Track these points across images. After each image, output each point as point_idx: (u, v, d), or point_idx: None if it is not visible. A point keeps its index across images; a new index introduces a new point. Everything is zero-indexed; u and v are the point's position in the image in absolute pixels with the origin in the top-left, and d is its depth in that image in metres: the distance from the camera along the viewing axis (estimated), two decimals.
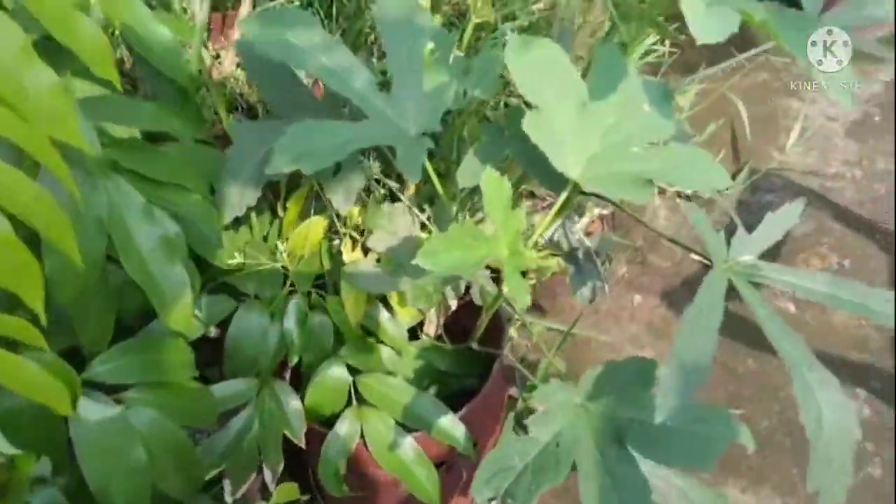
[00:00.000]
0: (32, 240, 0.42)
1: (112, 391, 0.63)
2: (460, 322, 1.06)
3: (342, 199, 0.77)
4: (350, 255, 0.84)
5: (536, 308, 1.44)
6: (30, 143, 0.38)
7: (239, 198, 0.74)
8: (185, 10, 1.21)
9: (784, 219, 0.69)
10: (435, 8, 1.16)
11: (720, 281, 0.66)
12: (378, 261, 0.85)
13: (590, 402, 0.66)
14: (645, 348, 1.38)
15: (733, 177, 1.63)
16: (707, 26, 0.57)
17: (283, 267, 0.84)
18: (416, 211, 1.04)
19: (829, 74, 0.57)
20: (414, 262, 0.63)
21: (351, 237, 0.86)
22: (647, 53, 1.46)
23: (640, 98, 0.73)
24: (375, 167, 1.17)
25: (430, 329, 1.04)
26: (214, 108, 1.01)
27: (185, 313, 0.58)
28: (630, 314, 1.43)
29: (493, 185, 0.68)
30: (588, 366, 1.37)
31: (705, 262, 1.58)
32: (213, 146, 0.84)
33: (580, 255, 0.95)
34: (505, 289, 0.87)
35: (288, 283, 0.86)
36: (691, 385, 0.57)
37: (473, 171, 0.81)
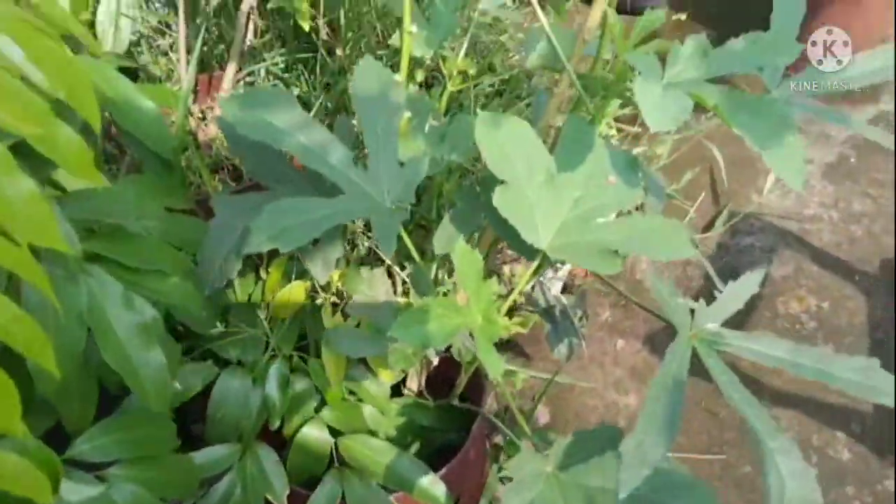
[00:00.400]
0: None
1: (94, 467, 0.65)
2: (443, 374, 1.08)
3: (320, 269, 0.79)
4: (330, 321, 0.86)
5: (521, 354, 1.46)
6: (10, 259, 0.41)
7: (220, 270, 0.77)
8: (171, 71, 1.25)
9: (746, 287, 0.71)
10: (418, 63, 1.20)
11: (685, 350, 0.68)
12: (358, 325, 0.87)
13: (561, 472, 0.67)
14: (629, 393, 1.39)
15: (713, 220, 1.67)
16: (661, 114, 0.60)
17: (265, 334, 0.86)
18: (397, 269, 1.06)
19: (780, 159, 0.60)
20: (390, 333, 0.66)
21: (332, 302, 0.88)
22: (624, 104, 1.50)
23: (607, 169, 0.76)
24: (359, 223, 1.19)
25: (413, 384, 1.05)
26: (199, 172, 1.04)
27: (163, 395, 0.60)
28: (613, 359, 1.45)
29: (465, 257, 0.71)
30: (572, 412, 1.39)
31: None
32: (196, 215, 0.86)
33: (557, 311, 0.98)
34: None
35: (270, 346, 0.88)
36: (655, 458, 0.59)
37: (449, 237, 0.84)
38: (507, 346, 1.47)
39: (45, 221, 0.45)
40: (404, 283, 1.09)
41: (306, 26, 1.14)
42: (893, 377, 0.65)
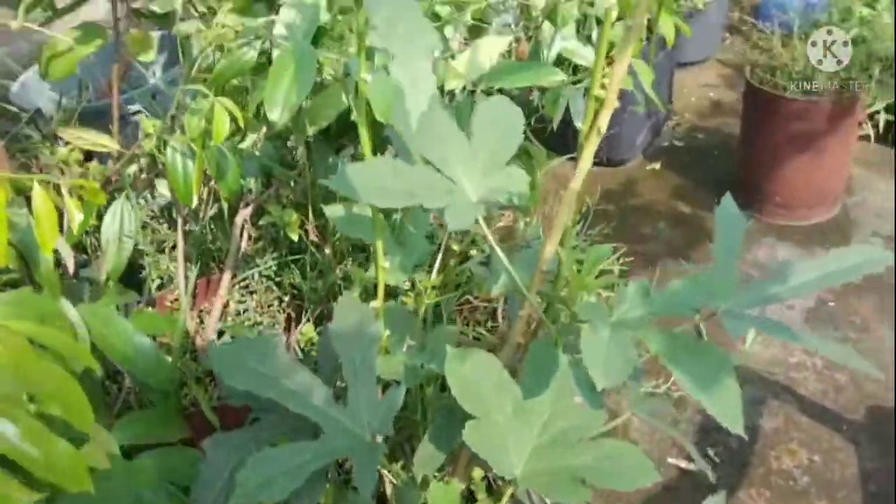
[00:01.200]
0: None
1: None
2: None
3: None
4: None
5: None
6: None
7: None
8: (171, 277, 1.33)
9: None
10: None
11: None
12: None
13: None
14: None
15: None
16: (606, 371, 0.66)
17: None
18: (385, 472, 1.09)
19: (718, 403, 0.65)
20: None
21: None
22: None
23: (573, 391, 0.82)
24: None
25: None
26: (193, 391, 1.10)
27: None
28: None
29: (440, 494, 0.75)
30: None
31: (680, 466, 1.61)
32: (193, 445, 0.91)
33: None
34: None
35: None
36: None
37: (430, 456, 0.88)
38: None
39: None
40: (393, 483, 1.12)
41: (295, 237, 1.24)
42: None
